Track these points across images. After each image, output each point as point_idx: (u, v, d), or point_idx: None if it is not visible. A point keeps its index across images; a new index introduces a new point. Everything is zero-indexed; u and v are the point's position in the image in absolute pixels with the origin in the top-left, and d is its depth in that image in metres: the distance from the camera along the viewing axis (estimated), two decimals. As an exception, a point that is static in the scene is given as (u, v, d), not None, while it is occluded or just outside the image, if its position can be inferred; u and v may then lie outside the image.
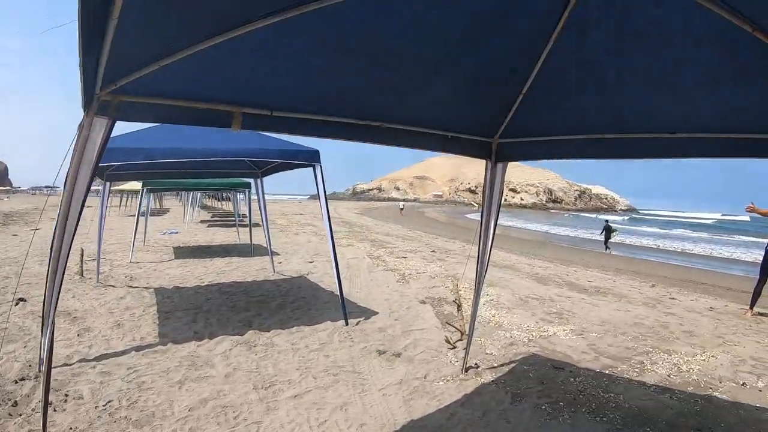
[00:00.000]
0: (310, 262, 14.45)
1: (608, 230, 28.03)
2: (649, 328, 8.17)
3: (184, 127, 7.66)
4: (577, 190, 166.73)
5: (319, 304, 9.15)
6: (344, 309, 7.96)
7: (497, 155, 4.92)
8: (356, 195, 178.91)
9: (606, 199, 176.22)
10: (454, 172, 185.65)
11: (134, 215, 16.39)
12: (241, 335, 6.90)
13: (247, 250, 16.55)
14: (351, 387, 5.26)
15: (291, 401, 4.83)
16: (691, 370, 6.15)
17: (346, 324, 7.70)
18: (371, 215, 52.44)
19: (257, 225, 29.30)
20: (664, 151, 3.81)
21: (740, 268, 24.16)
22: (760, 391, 5.59)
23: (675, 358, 6.62)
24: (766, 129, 3.23)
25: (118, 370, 5.48)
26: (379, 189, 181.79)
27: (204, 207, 56.98)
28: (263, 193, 13.19)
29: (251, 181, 14.39)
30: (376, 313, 8.67)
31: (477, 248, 5.56)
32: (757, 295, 9.71)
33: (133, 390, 4.96)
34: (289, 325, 7.54)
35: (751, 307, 9.76)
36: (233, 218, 26.93)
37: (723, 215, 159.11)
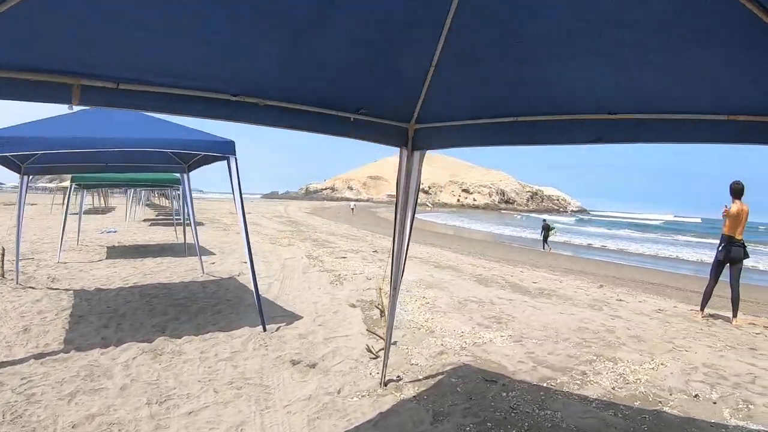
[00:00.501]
0: (245, 263, 13.53)
1: (546, 229, 28.49)
2: (594, 333, 7.54)
3: (107, 114, 7.35)
4: (529, 192, 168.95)
5: (241, 308, 8.39)
6: (261, 314, 7.22)
7: (414, 143, 4.20)
8: (309, 195, 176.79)
9: (558, 200, 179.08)
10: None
11: (86, 212, 15.24)
12: (150, 342, 6.27)
13: (184, 250, 15.50)
14: (254, 403, 4.65)
15: (184, 419, 4.27)
16: (638, 381, 5.50)
17: (264, 330, 7.04)
18: (321, 215, 51.34)
19: (201, 224, 28.53)
20: (603, 134, 3.13)
21: (687, 267, 24.30)
22: (715, 403, 4.97)
23: (621, 366, 5.97)
24: (724, 109, 2.62)
25: (12, 379, 4.97)
26: (333, 189, 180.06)
27: (151, 205, 55.14)
28: (189, 189, 12.26)
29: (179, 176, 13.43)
30: (300, 317, 7.91)
31: (392, 249, 4.80)
32: (707, 296, 9.32)
33: (21, 403, 4.46)
34: (204, 331, 6.91)
35: (702, 309, 9.37)
36: (177, 217, 25.80)
37: (675, 216, 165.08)
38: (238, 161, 7.43)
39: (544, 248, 27.83)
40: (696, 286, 15.23)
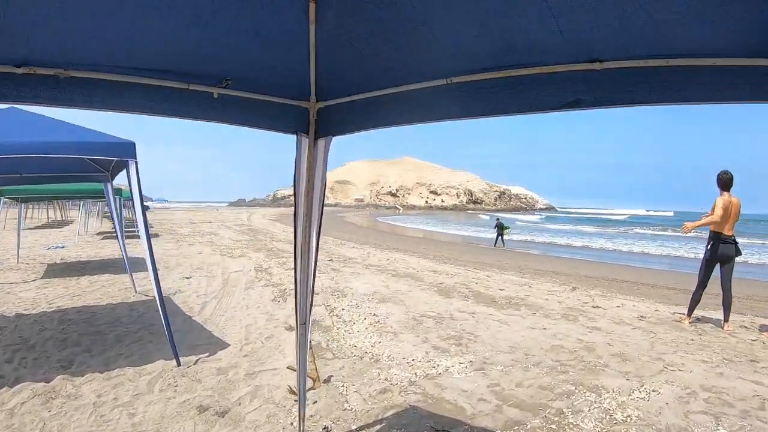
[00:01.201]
0: (187, 278, 12.38)
1: (500, 227, 28.52)
2: (570, 352, 6.39)
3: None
4: (497, 191, 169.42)
5: (165, 335, 7.08)
6: (173, 346, 5.96)
7: (319, 127, 3.00)
8: (277, 201, 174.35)
9: (525, 198, 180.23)
10: (375, 176, 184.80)
11: (41, 226, 13.71)
12: (48, 382, 5.23)
13: (125, 266, 14.15)
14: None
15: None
16: (628, 419, 4.37)
17: (178, 365, 5.84)
18: (285, 221, 49.47)
19: (156, 235, 26.96)
20: (583, 94, 1.97)
21: (659, 262, 23.61)
22: (725, 445, 3.89)
23: (606, 399, 4.82)
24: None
25: None
26: None
27: (110, 217, 53.02)
28: (113, 199, 10.91)
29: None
30: (227, 345, 6.66)
31: (295, 277, 3.57)
32: (695, 301, 8.38)
33: None
34: (113, 366, 5.81)
35: (689, 315, 8.41)
36: (132, 229, 24.20)
37: (647, 211, 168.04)
38: (138, 165, 6.13)
39: (495, 245, 28.02)
40: (670, 282, 14.62)
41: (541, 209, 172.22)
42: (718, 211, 7.77)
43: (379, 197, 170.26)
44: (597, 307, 9.50)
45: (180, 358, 5.92)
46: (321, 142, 3.08)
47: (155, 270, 6.05)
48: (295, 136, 3.03)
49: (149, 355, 6.23)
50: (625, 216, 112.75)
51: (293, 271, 3.42)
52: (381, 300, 9.46)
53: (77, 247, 20.76)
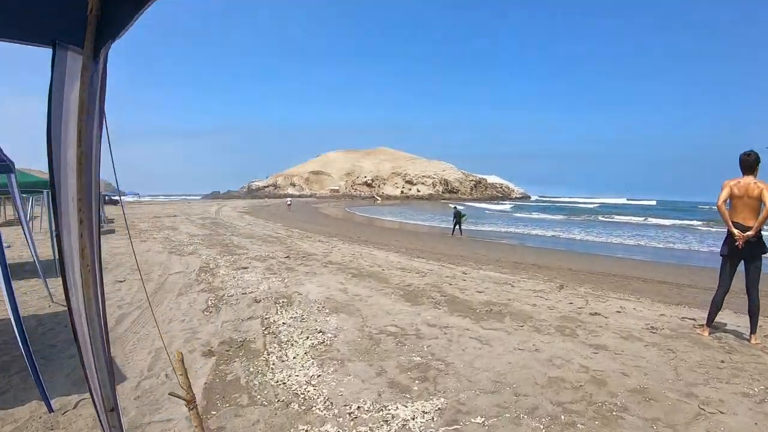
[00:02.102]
0: (120, 282, 10.55)
1: (458, 216, 28.44)
2: (575, 388, 4.74)
3: None
4: (472, 180, 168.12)
5: (57, 362, 5.49)
6: (42, 389, 4.31)
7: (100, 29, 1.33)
8: (251, 192, 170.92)
9: (501, 187, 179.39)
10: (350, 166, 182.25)
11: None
12: None
13: (55, 267, 12.23)
14: None
15: None
16: None
17: (50, 411, 4.29)
18: (256, 213, 47.35)
19: (112, 231, 24.90)
20: None
21: (636, 251, 22.54)
22: None
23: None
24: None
25: None
26: (275, 186, 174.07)
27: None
28: (17, 191, 9.08)
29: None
30: (123, 380, 4.99)
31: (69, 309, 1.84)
32: (716, 308, 6.81)
33: None
34: None
35: (708, 324, 6.88)
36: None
37: (628, 200, 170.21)
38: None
39: (453, 234, 28.16)
40: (657, 275, 13.72)
41: (516, 198, 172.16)
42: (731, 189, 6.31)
43: (355, 187, 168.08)
44: (595, 314, 7.89)
45: (54, 401, 4.43)
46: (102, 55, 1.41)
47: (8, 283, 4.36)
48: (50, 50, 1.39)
49: (26, 392, 4.66)
50: (597, 204, 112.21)
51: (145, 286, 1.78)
52: (334, 309, 7.77)
53: (25, 246, 18.82)
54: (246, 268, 11.98)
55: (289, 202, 72.55)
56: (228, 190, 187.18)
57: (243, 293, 9.05)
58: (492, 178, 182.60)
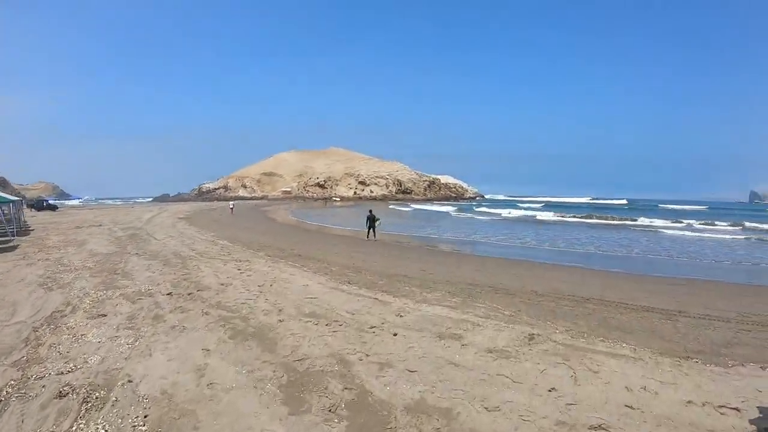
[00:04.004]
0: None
1: (372, 220, 28.03)
2: None
3: None
4: (426, 181, 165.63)
5: None
6: None
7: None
8: (202, 195, 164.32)
9: (455, 187, 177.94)
10: (302, 167, 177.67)
11: None
12: None
13: None
14: None
15: None
16: None
17: None
18: (195, 220, 42.86)
19: (14, 249, 21.05)
20: None
21: (596, 258, 20.25)
22: None
23: None
24: None
25: None
26: (226, 188, 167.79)
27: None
28: None
29: None
30: None
31: None
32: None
33: None
34: None
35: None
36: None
37: (592, 199, 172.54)
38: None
39: (368, 237, 27.81)
40: (633, 294, 11.82)
41: (470, 198, 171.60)
42: None
43: (307, 189, 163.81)
44: (599, 427, 5.11)
45: None
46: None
47: None
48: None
49: None
50: (541, 204, 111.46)
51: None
52: (156, 426, 4.83)
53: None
54: (104, 315, 8.83)
55: (231, 206, 68.61)
56: (178, 193, 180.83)
57: (59, 372, 6.04)
58: (445, 178, 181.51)
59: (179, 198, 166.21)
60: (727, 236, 33.59)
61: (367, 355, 6.56)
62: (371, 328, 7.85)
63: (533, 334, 7.67)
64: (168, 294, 10.54)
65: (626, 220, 51.28)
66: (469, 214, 63.40)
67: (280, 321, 8.31)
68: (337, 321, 8.32)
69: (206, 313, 8.94)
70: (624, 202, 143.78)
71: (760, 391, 5.81)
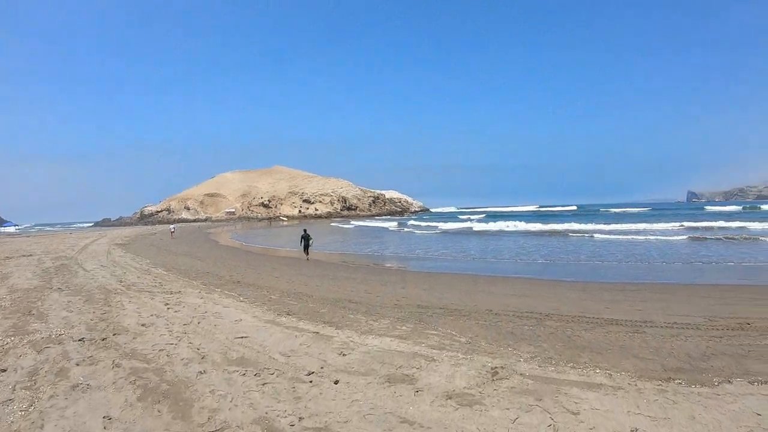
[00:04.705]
0: None
1: (306, 239, 28.14)
2: None
3: None
4: (371, 196, 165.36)
5: None
6: None
7: None
8: (144, 219, 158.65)
9: (400, 202, 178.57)
10: (246, 186, 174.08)
11: None
12: None
13: None
14: None
15: None
16: None
17: None
18: (133, 246, 39.51)
19: None
20: None
21: (538, 267, 19.72)
22: None
23: None
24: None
25: None
26: (169, 210, 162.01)
27: None
28: None
29: None
30: None
31: None
32: None
33: None
34: None
35: None
36: None
37: (540, 207, 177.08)
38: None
39: (306, 255, 27.89)
40: (590, 304, 10.73)
41: (415, 211, 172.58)
42: None
43: (252, 209, 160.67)
44: None
45: None
46: None
47: None
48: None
49: None
50: (482, 215, 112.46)
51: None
52: None
53: None
54: (4, 370, 7.29)
55: (172, 230, 66.13)
56: (120, 217, 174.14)
57: None
58: (390, 193, 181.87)
59: (121, 222, 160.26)
60: (671, 237, 33.92)
61: (301, 418, 5.28)
62: (309, 375, 6.58)
63: (496, 367, 6.63)
64: (80, 340, 8.99)
65: (571, 223, 51.78)
66: (407, 229, 62.75)
67: (200, 373, 6.91)
68: (268, 368, 6.97)
69: (117, 366, 7.51)
70: (574, 208, 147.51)
71: (760, 415, 5.12)
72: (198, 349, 8.18)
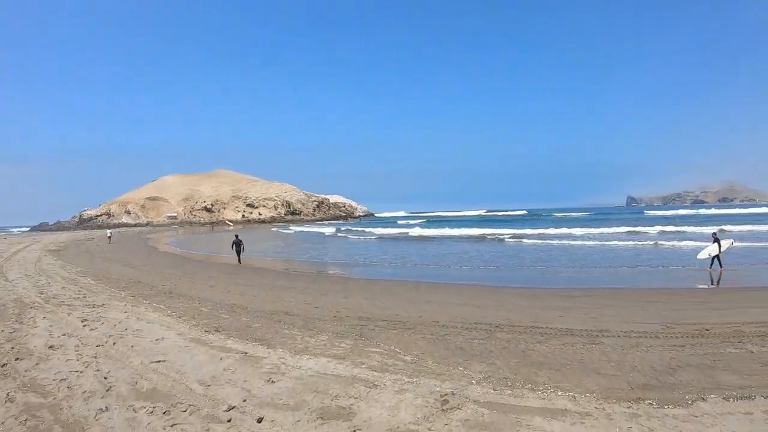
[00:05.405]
0: None
1: (238, 245, 28.07)
2: None
3: None
4: (315, 201, 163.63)
5: None
6: None
7: None
8: (83, 223, 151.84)
9: (344, 206, 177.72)
10: (188, 190, 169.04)
11: None
12: None
13: None
14: None
15: None
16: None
17: None
18: (67, 253, 37.10)
19: None
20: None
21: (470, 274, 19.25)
22: None
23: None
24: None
25: None
26: (109, 214, 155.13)
27: None
28: None
29: None
30: None
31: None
32: None
33: None
34: None
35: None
36: None
37: (487, 211, 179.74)
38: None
39: (240, 262, 27.41)
40: (545, 311, 9.65)
41: (360, 216, 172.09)
42: None
43: (194, 213, 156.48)
44: None
45: None
46: None
47: None
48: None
49: None
50: (423, 219, 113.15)
51: None
52: None
53: None
54: None
55: (109, 235, 63.23)
56: (58, 221, 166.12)
57: None
58: (335, 198, 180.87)
59: (59, 227, 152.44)
60: (612, 242, 34.22)
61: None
62: (228, 411, 5.48)
63: (446, 394, 5.75)
64: None
65: (513, 229, 52.03)
66: (343, 234, 62.17)
67: (100, 411, 5.72)
68: (181, 403, 5.80)
69: (10, 400, 6.26)
70: (524, 212, 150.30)
71: (742, 437, 4.47)
72: (106, 378, 6.96)
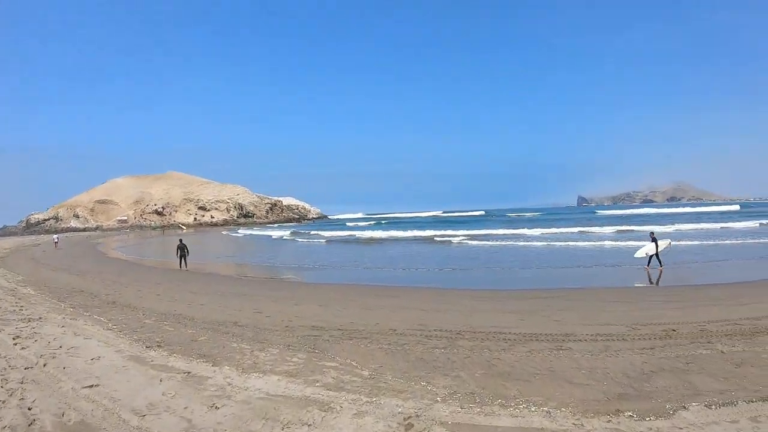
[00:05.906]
0: None
1: (182, 249, 27.32)
2: None
3: None
4: (268, 203, 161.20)
5: None
6: None
7: None
8: (31, 228, 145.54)
9: (297, 209, 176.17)
10: (139, 193, 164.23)
11: None
12: None
13: None
14: None
15: None
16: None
17: None
18: (10, 259, 34.83)
19: None
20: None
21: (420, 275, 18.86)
22: None
23: None
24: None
25: None
26: (57, 218, 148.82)
27: None
28: None
29: None
30: None
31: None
32: None
33: None
34: None
35: None
36: None
37: (444, 212, 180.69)
38: None
39: (181, 268, 26.51)
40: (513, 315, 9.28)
41: (313, 218, 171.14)
42: None
43: (145, 216, 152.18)
44: None
45: None
46: None
47: None
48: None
49: None
50: (385, 221, 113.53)
51: None
52: None
53: None
54: None
55: (55, 240, 60.79)
56: (4, 226, 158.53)
57: None
58: (288, 200, 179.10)
59: (5, 232, 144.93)
60: (566, 242, 34.45)
61: None
62: None
63: (410, 416, 5.16)
64: None
65: (468, 230, 52.06)
66: (292, 237, 61.97)
67: None
68: None
69: None
70: (482, 213, 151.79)
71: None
72: (30, 409, 6.04)
